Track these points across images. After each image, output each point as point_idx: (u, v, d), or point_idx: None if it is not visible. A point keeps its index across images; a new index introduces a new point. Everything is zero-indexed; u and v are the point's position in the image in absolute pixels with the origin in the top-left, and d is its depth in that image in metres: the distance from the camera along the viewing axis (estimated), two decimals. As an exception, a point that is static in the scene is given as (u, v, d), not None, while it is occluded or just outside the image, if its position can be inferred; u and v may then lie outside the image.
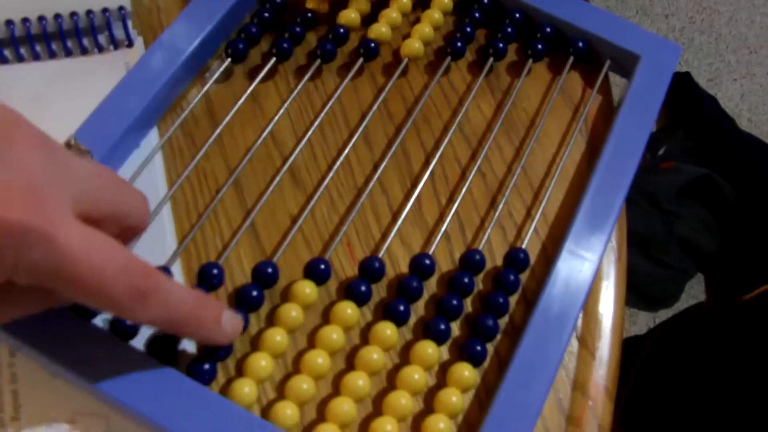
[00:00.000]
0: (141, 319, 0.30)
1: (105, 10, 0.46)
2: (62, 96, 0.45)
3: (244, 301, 0.38)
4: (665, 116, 1.49)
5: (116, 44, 0.47)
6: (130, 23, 0.47)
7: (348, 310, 0.39)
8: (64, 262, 0.26)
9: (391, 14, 0.48)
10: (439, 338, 0.39)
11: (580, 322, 0.42)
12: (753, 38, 1.60)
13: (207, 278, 0.38)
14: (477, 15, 0.49)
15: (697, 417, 0.58)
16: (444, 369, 0.39)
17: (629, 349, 0.71)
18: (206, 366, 0.36)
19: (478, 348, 0.39)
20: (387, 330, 0.38)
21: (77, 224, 0.27)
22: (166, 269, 0.38)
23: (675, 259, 1.29)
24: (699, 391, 0.59)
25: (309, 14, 0.48)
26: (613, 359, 0.42)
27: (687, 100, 1.46)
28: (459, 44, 0.47)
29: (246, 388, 0.36)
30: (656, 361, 0.65)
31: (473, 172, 0.44)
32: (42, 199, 0.26)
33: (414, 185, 0.44)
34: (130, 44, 0.47)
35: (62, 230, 0.26)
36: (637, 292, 1.28)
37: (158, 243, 0.41)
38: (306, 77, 0.45)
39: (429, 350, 0.38)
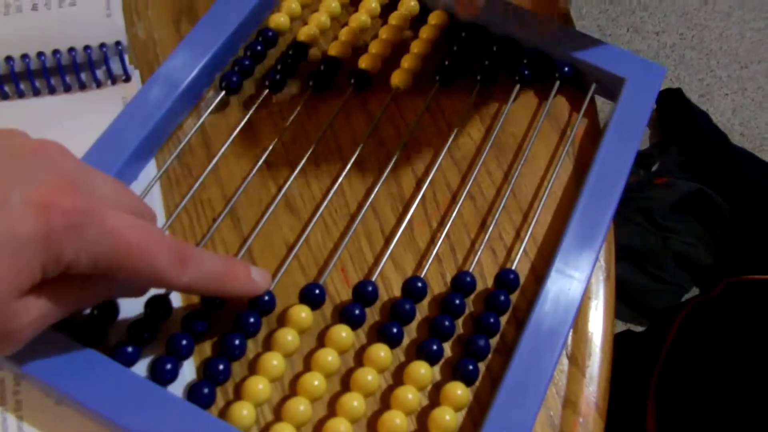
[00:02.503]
0: (183, 283, 0.33)
1: (102, 45, 0.48)
2: (62, 130, 0.46)
3: (241, 328, 0.39)
4: (658, 132, 1.50)
5: (114, 79, 0.48)
6: (127, 57, 0.48)
7: (343, 333, 0.40)
8: (116, 240, 0.30)
9: (380, 45, 0.49)
10: (432, 359, 0.40)
11: (570, 340, 0.43)
12: (743, 53, 1.62)
13: (209, 303, 0.40)
14: (465, 42, 0.50)
15: (729, 393, 0.58)
16: (437, 388, 0.40)
17: (660, 325, 0.71)
18: (205, 390, 0.37)
19: (470, 367, 0.40)
20: (381, 352, 0.39)
21: (116, 210, 0.30)
22: (165, 298, 0.40)
23: (671, 273, 1.30)
24: (730, 368, 0.60)
25: (300, 45, 0.49)
26: (603, 376, 0.43)
27: (679, 116, 1.48)
28: (447, 71, 0.49)
29: (244, 411, 0.37)
30: (686, 340, 0.66)
31: (463, 196, 0.45)
32: (86, 192, 0.30)
33: (405, 210, 0.45)
34: (128, 78, 0.48)
35: (108, 214, 0.30)
36: (633, 306, 1.29)
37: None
38: (298, 108, 0.47)
39: (422, 371, 0.39)
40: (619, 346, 0.75)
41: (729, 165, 1.40)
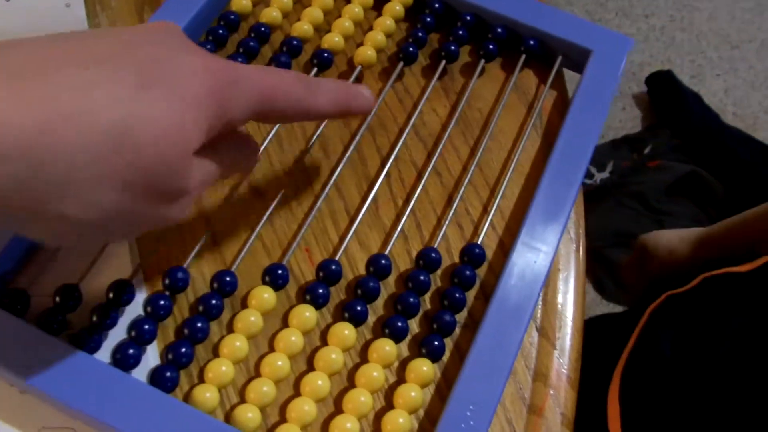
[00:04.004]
0: (321, 105, 0.36)
1: (63, 36, 0.47)
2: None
3: (205, 311, 0.39)
4: (650, 116, 1.50)
5: None
6: None
7: (306, 313, 0.39)
8: (262, 85, 0.33)
9: (344, 24, 0.49)
10: (397, 336, 0.39)
11: (539, 313, 0.43)
12: (734, 33, 1.61)
13: (173, 281, 0.39)
14: (429, 20, 0.50)
15: (697, 385, 0.58)
16: (404, 365, 0.39)
17: (630, 316, 0.71)
18: (168, 374, 0.37)
19: (436, 343, 0.39)
20: (345, 330, 0.39)
21: (246, 65, 0.34)
22: (128, 283, 0.39)
23: (666, 256, 1.29)
24: (700, 361, 0.59)
25: (263, 28, 0.49)
26: (575, 348, 0.42)
27: (670, 98, 1.47)
28: (411, 49, 0.48)
29: (208, 393, 0.37)
30: (655, 332, 0.66)
31: (428, 172, 0.45)
32: (224, 61, 0.32)
33: (370, 188, 0.44)
34: None
35: (247, 67, 0.33)
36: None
37: (121, 255, 0.41)
38: (261, 89, 0.46)
39: (387, 348, 0.39)
40: (587, 332, 0.75)
41: (722, 145, 1.39)
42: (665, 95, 1.48)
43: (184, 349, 0.38)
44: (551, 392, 0.40)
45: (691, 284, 0.68)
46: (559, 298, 0.43)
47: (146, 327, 0.38)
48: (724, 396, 0.57)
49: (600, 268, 1.33)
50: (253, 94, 0.32)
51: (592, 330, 0.78)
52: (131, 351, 0.38)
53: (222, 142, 0.33)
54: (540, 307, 0.43)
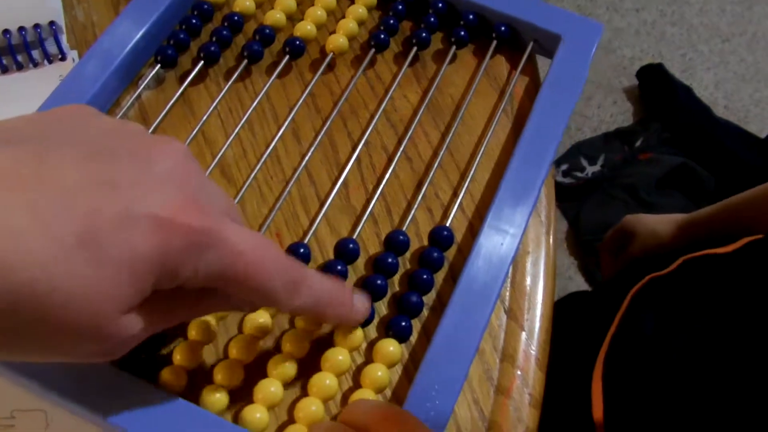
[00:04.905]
0: (294, 307, 0.32)
1: (36, 26, 0.48)
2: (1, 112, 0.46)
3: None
4: (641, 109, 1.50)
5: (50, 58, 0.48)
6: (62, 37, 0.49)
7: (275, 295, 0.40)
8: (234, 260, 0.28)
9: (316, 12, 0.49)
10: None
11: (507, 295, 0.43)
12: (725, 27, 1.61)
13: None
14: (400, 7, 0.50)
15: (680, 370, 0.58)
16: (372, 346, 0.40)
17: (606, 301, 0.71)
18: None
19: (403, 324, 0.40)
20: (312, 312, 0.39)
21: (235, 226, 0.29)
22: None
23: (656, 248, 1.30)
24: (682, 344, 0.59)
25: (236, 17, 0.49)
26: (543, 329, 0.43)
27: (661, 92, 1.47)
28: (382, 36, 0.49)
29: (170, 375, 0.37)
30: (637, 315, 0.66)
31: (398, 157, 0.45)
32: (208, 208, 0.28)
33: (341, 173, 0.45)
34: (63, 58, 0.48)
35: (229, 231, 0.28)
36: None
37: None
38: (233, 78, 0.47)
39: (353, 331, 0.39)
40: (566, 311, 0.75)
41: (712, 137, 1.39)
42: (656, 88, 1.48)
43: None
44: (519, 373, 0.41)
45: (671, 267, 0.68)
46: (528, 281, 0.44)
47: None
48: (705, 377, 0.57)
49: (591, 261, 1.33)
50: (218, 266, 0.28)
51: (567, 308, 0.78)
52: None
53: (176, 298, 0.29)
54: (508, 289, 0.43)
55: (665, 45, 1.58)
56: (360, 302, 0.37)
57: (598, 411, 0.61)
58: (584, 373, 0.65)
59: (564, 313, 0.74)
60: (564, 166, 1.40)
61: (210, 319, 0.39)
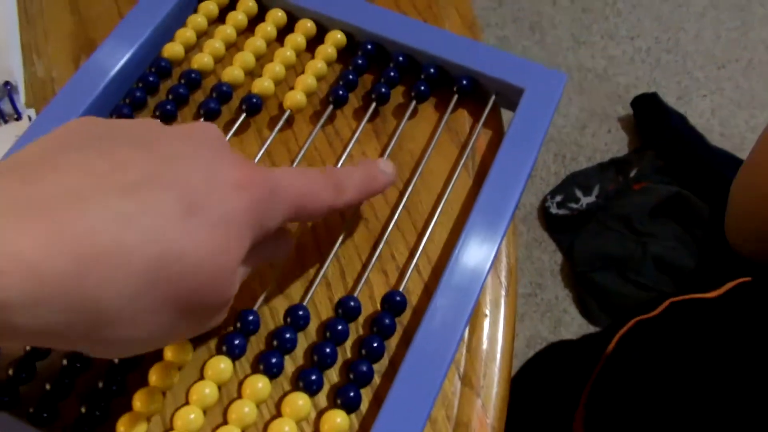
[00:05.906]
0: (345, 203, 0.37)
1: (-9, 87, 0.48)
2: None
3: (119, 364, 0.39)
4: (636, 138, 1.49)
5: (5, 118, 0.48)
6: (18, 97, 0.48)
7: (222, 364, 0.39)
8: (293, 194, 0.34)
9: (275, 68, 0.49)
10: (310, 389, 0.39)
11: (463, 360, 0.42)
12: (720, 53, 1.60)
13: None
14: (360, 62, 0.50)
15: (663, 413, 0.57)
16: (321, 416, 0.39)
17: (592, 345, 0.70)
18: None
19: (351, 394, 0.39)
20: (259, 383, 0.38)
21: (276, 170, 0.34)
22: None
23: (651, 278, 1.29)
24: (667, 387, 0.58)
25: (193, 75, 0.49)
26: (500, 397, 0.41)
27: (655, 120, 1.46)
28: (341, 92, 0.48)
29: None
30: (622, 357, 0.65)
31: (354, 218, 0.44)
32: (254, 164, 0.33)
33: (294, 236, 0.44)
34: (19, 117, 0.48)
35: (278, 175, 0.33)
36: (613, 314, 1.27)
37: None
38: (188, 136, 0.46)
39: (300, 402, 0.38)
40: (552, 357, 0.74)
41: (706, 166, 1.38)
42: (650, 117, 1.47)
43: (103, 404, 0.37)
44: (473, 442, 0.40)
45: (658, 309, 0.67)
46: (485, 345, 0.43)
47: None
48: (689, 421, 0.56)
49: (585, 292, 1.32)
50: (286, 205, 0.33)
51: (551, 357, 0.77)
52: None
53: (258, 245, 0.33)
54: (464, 353, 0.42)
55: (660, 72, 1.57)
56: (387, 166, 0.41)
57: None
58: (566, 416, 0.64)
59: (548, 361, 0.73)
60: (558, 197, 1.39)
61: (157, 389, 0.38)
